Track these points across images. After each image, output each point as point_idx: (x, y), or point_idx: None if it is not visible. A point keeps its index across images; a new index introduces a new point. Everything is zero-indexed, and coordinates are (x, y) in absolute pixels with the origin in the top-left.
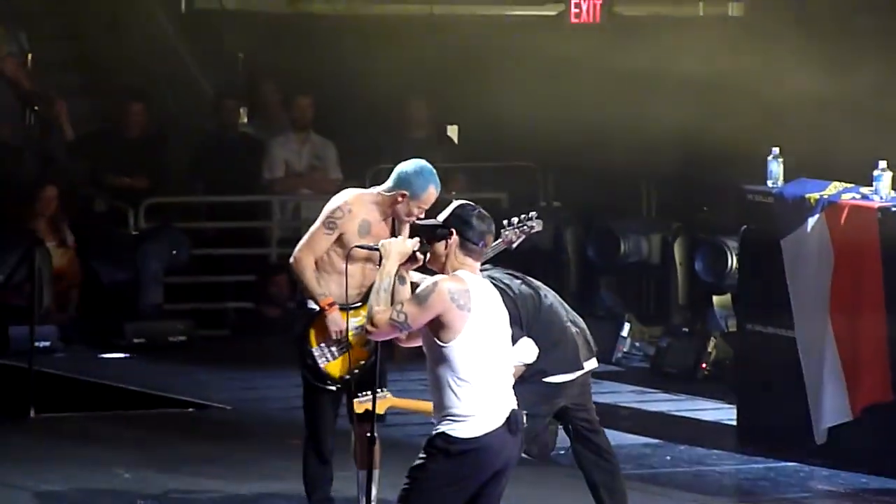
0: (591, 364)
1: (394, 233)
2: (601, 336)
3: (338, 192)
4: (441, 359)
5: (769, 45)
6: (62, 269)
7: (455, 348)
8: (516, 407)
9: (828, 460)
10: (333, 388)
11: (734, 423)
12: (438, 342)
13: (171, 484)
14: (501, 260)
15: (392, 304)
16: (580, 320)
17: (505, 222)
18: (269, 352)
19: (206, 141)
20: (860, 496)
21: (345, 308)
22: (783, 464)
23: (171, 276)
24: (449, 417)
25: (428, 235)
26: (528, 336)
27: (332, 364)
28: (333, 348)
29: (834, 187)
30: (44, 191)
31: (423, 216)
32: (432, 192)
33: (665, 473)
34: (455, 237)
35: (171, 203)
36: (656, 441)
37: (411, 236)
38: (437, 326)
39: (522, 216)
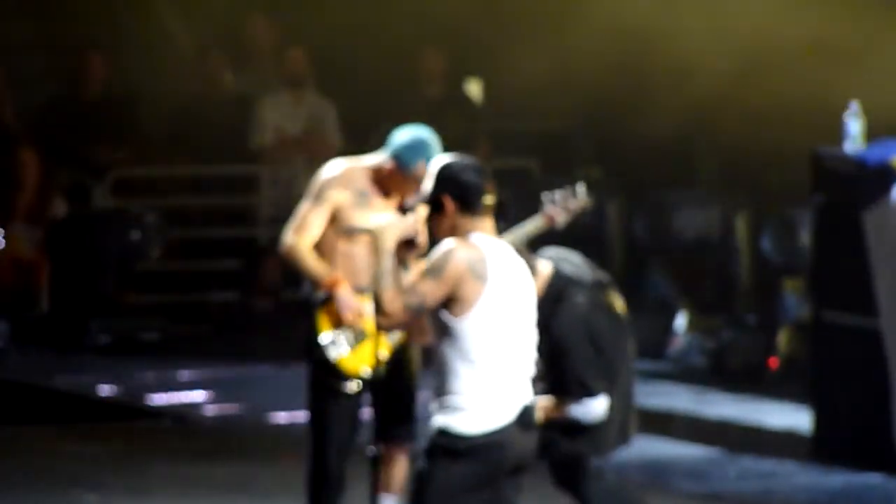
0: None
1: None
2: (651, 328)
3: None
4: (449, 336)
5: None
6: (23, 255)
7: (467, 324)
8: (531, 400)
9: None
10: (349, 388)
11: (809, 429)
12: (448, 317)
13: None
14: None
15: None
16: None
17: (547, 197)
18: (258, 351)
19: (186, 102)
20: None
21: (358, 290)
22: (866, 477)
23: (144, 263)
24: (450, 406)
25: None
26: None
27: (348, 357)
28: (348, 335)
29: None
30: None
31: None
32: (423, 169)
33: (729, 491)
34: (451, 203)
35: (142, 176)
36: (718, 452)
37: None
38: (448, 300)
39: (567, 188)
